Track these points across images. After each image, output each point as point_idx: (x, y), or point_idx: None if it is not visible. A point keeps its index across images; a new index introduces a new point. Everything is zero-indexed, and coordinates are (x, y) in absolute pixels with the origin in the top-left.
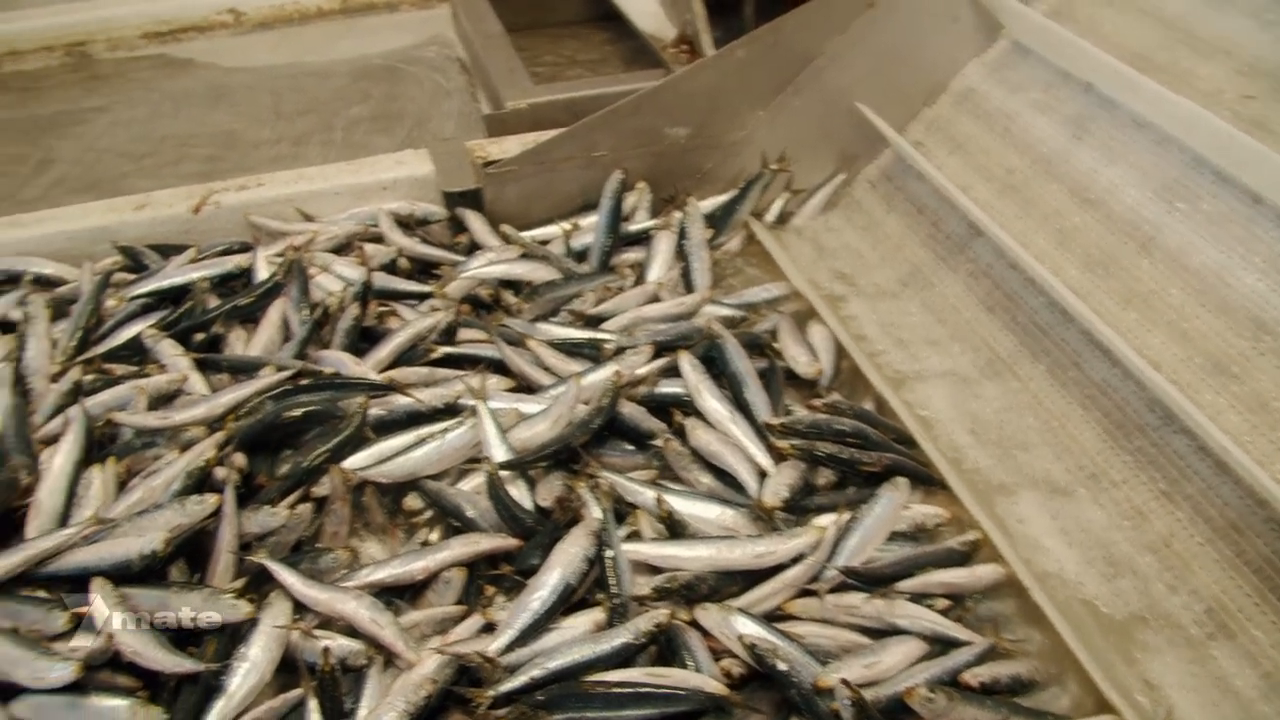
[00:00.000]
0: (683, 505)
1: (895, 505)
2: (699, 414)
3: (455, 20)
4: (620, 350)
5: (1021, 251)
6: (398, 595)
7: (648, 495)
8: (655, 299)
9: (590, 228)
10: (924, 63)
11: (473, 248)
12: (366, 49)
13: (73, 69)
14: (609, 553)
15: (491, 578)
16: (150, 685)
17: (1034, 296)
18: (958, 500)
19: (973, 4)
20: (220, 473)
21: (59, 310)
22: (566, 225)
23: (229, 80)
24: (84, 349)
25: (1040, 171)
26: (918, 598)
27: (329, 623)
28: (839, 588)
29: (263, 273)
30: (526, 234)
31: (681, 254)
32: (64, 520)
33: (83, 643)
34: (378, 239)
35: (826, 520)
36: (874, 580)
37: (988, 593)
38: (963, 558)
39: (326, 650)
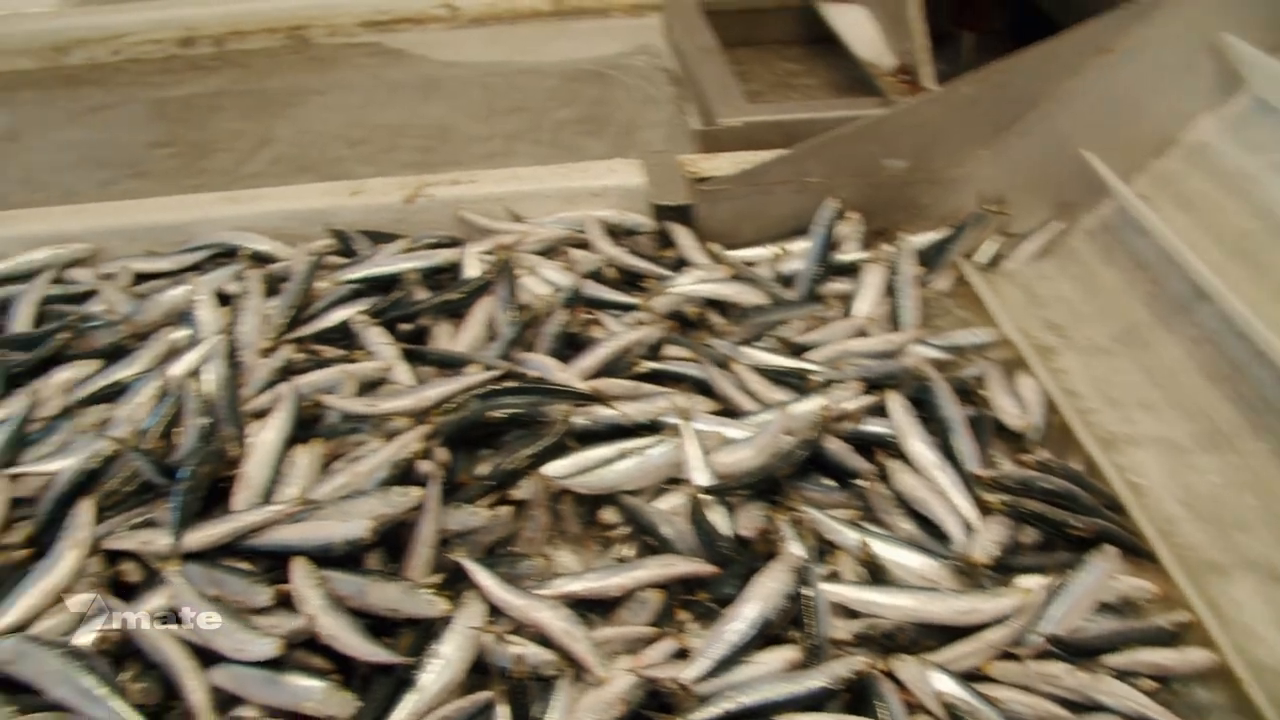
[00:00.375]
0: (884, 550)
1: (1104, 575)
2: (902, 456)
3: (667, 30)
4: (828, 383)
5: (1253, 320)
6: (588, 608)
7: (850, 536)
8: (863, 333)
9: (799, 253)
10: (1155, 113)
11: (680, 263)
12: (576, 52)
13: (292, 51)
14: (809, 591)
15: (684, 601)
16: (343, 670)
17: (1262, 369)
18: (1168, 576)
19: (1213, 54)
20: (424, 466)
21: (271, 287)
22: (775, 249)
23: (441, 73)
24: (293, 328)
25: (1278, 237)
26: (1122, 675)
27: (519, 629)
28: (1041, 654)
29: (471, 269)
30: (733, 254)
31: (890, 289)
32: (268, 495)
33: (284, 621)
34: (584, 245)
35: (1033, 583)
36: (1079, 651)
37: (1197, 679)
38: (1171, 638)
39: (520, 658)
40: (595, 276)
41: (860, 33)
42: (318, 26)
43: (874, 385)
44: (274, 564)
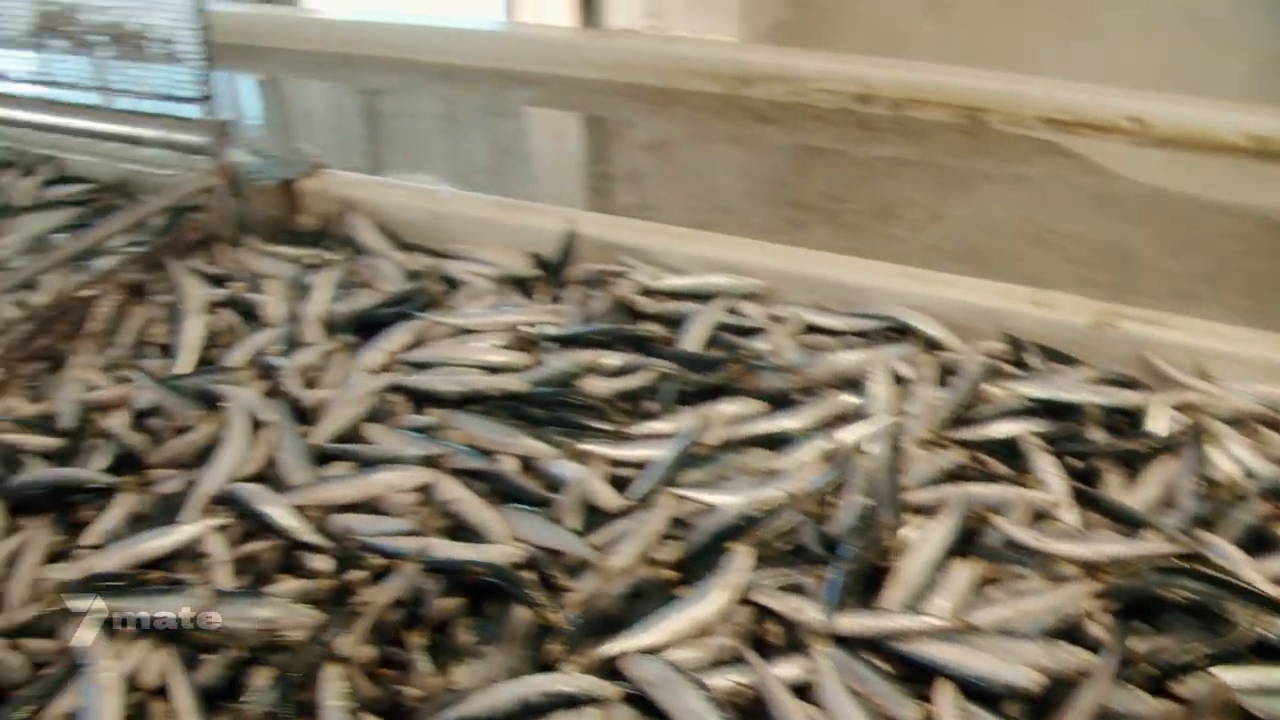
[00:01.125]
0: None
1: None
2: None
3: None
4: None
5: None
6: None
7: None
8: None
9: None
10: None
11: None
12: (1273, 199)
13: (966, 131)
14: None
15: None
16: None
17: None
18: None
19: None
20: (1100, 632)
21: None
22: None
23: (1120, 189)
24: (954, 427)
25: None
26: None
27: None
28: None
29: (1157, 422)
30: None
31: None
32: (919, 601)
33: None
34: (1277, 426)
35: None
36: None
37: None
38: None
39: None
40: None
41: None
42: (996, 112)
43: None
44: (909, 672)
